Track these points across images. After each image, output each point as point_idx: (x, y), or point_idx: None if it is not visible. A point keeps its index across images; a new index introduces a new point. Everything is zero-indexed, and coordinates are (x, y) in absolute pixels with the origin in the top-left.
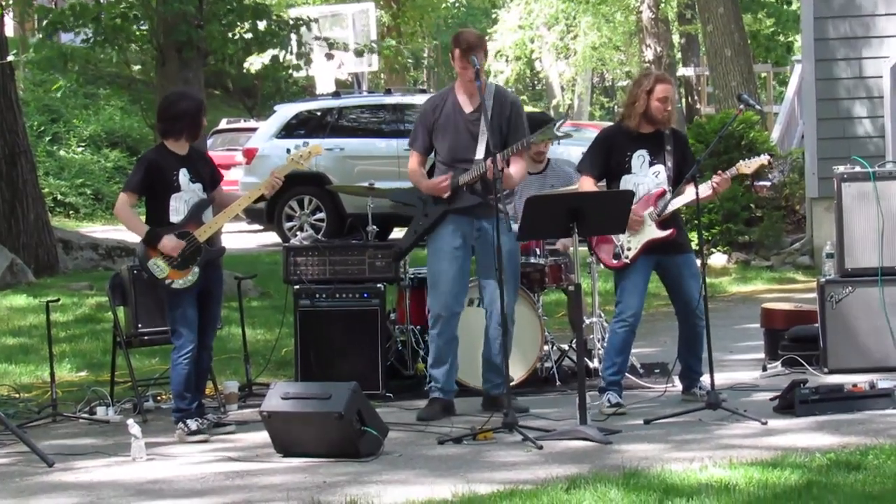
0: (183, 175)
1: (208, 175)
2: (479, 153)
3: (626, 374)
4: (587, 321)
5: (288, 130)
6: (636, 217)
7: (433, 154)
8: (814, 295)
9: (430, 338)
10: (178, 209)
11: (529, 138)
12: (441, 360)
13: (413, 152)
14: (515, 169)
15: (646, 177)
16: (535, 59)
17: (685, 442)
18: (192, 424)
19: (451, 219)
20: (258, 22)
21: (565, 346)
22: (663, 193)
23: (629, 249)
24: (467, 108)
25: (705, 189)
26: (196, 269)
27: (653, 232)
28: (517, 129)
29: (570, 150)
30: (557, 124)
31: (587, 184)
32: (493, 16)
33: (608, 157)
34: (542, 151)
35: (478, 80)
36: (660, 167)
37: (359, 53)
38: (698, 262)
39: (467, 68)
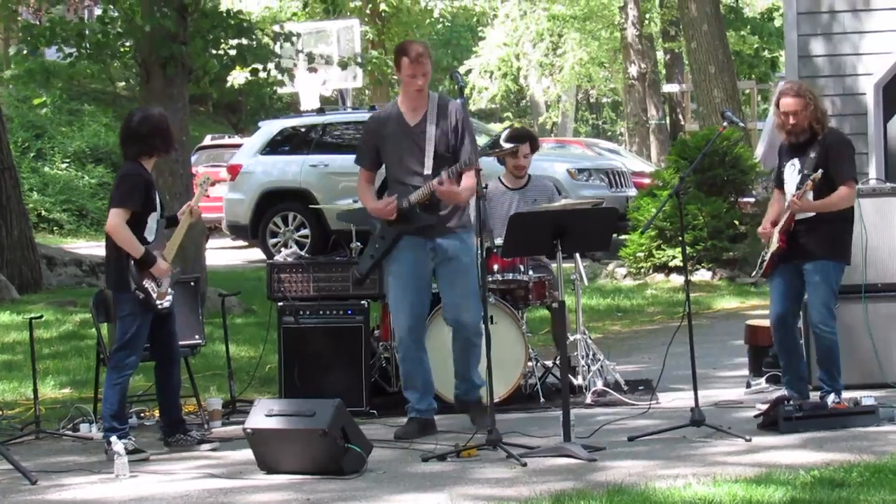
0: (157, 194)
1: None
2: (427, 168)
3: (609, 391)
4: (571, 338)
5: (272, 147)
6: (765, 232)
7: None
8: None
9: (398, 361)
10: (151, 228)
11: (478, 155)
12: (411, 382)
13: (361, 170)
14: (465, 184)
15: (794, 185)
16: (523, 77)
17: (669, 459)
18: (130, 445)
19: (406, 241)
20: (242, 39)
21: (549, 363)
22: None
23: (763, 262)
24: (412, 120)
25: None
26: (171, 290)
27: (773, 245)
28: (465, 137)
29: (554, 165)
30: (503, 135)
31: (774, 195)
32: (479, 32)
33: (780, 167)
34: (523, 165)
35: (462, 97)
36: (820, 172)
37: (343, 66)
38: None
39: (415, 77)
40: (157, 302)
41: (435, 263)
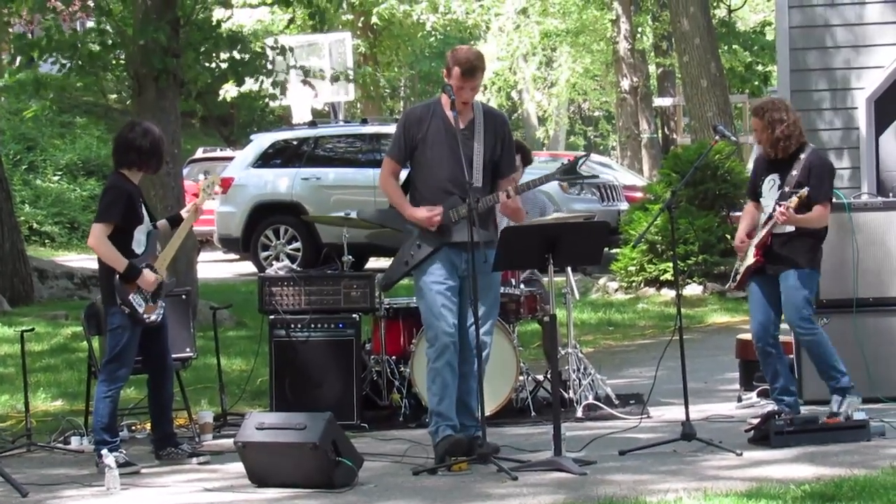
0: (142, 206)
1: (148, 207)
2: (477, 179)
3: (600, 405)
4: (562, 352)
5: (264, 160)
6: (741, 245)
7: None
8: None
9: (432, 372)
10: (140, 241)
11: (552, 177)
12: (449, 394)
13: (389, 160)
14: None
15: (773, 200)
16: (519, 91)
17: (660, 473)
18: (121, 458)
19: (444, 251)
20: (234, 53)
21: (540, 377)
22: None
23: (738, 274)
24: (459, 124)
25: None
26: (162, 303)
27: (749, 259)
28: (511, 150)
29: None
30: (580, 162)
31: (747, 208)
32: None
33: (755, 180)
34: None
35: (454, 111)
36: (806, 189)
37: (335, 79)
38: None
39: (464, 89)
40: (145, 316)
41: (464, 274)
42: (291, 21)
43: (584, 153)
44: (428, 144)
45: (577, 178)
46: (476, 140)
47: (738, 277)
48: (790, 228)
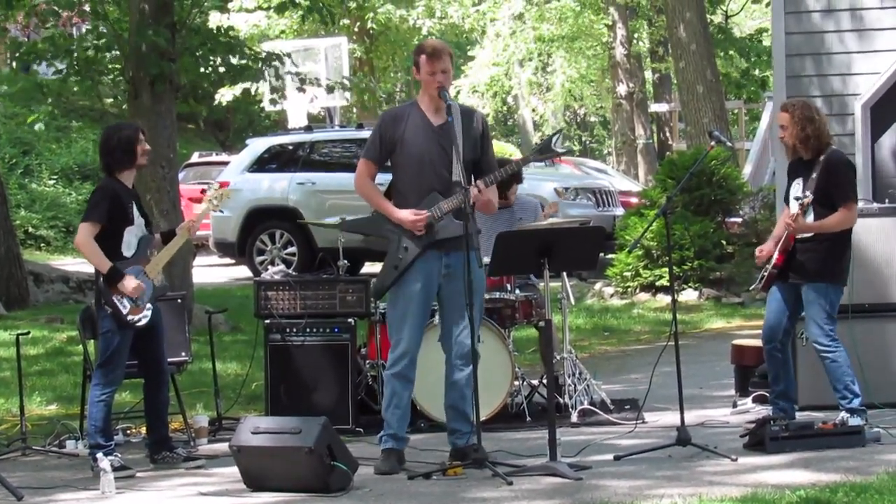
0: (134, 208)
1: (143, 211)
2: (456, 174)
3: (595, 410)
4: (557, 357)
5: (260, 164)
6: (761, 255)
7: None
8: None
9: (386, 378)
10: (130, 243)
11: (528, 159)
12: (398, 402)
13: (366, 161)
14: (493, 193)
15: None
16: (515, 96)
17: (655, 478)
18: (116, 462)
19: (425, 255)
20: (231, 56)
21: (535, 382)
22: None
23: (763, 277)
24: (435, 120)
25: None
26: (150, 306)
27: (772, 261)
28: (489, 146)
29: (542, 184)
30: (555, 140)
31: (783, 212)
32: (468, 50)
33: (787, 185)
34: (511, 201)
35: (450, 117)
36: (808, 195)
37: (330, 90)
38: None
39: (435, 74)
40: (129, 318)
41: (444, 281)
42: (303, 20)
43: (558, 130)
44: (407, 144)
45: (553, 155)
46: (454, 135)
47: (763, 280)
48: (809, 233)
